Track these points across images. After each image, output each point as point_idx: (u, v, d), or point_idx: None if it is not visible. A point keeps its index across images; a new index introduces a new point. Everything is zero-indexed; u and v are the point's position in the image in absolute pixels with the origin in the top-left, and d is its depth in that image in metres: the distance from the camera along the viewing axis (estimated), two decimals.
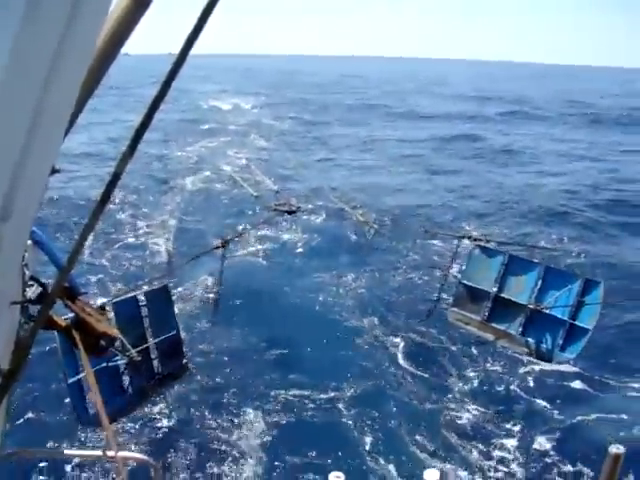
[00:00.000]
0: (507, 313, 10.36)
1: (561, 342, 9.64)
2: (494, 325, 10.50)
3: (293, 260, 17.19)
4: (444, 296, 11.72)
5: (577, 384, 11.14)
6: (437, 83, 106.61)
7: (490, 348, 11.34)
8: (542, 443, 9.74)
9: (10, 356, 1.93)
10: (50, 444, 8.96)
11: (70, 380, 7.31)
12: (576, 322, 9.48)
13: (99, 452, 4.64)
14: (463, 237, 11.19)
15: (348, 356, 11.79)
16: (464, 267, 11.37)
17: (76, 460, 8.30)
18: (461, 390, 10.86)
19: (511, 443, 9.72)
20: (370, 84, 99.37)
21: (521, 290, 10.21)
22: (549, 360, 9.92)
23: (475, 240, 10.77)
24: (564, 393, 10.96)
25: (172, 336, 9.18)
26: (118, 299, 8.58)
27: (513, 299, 10.26)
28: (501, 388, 10.77)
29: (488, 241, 10.92)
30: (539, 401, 10.66)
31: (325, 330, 12.69)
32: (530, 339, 9.98)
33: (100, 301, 8.83)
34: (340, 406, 10.37)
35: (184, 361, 9.62)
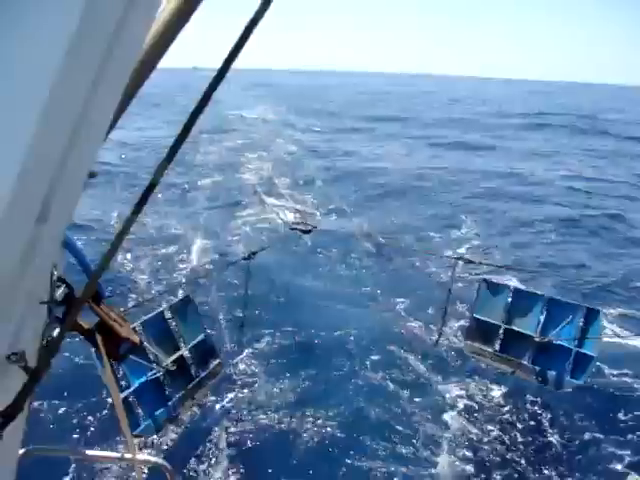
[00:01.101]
0: (517, 344, 10.90)
1: (570, 369, 10.11)
2: (507, 356, 11.04)
3: (308, 276, 17.99)
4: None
5: (591, 410, 11.33)
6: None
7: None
8: (557, 470, 9.77)
9: (36, 355, 1.97)
10: (69, 444, 9.20)
11: (121, 396, 8.16)
12: (582, 350, 9.96)
13: (118, 454, 4.66)
14: (459, 259, 11.94)
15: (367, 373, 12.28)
16: (474, 301, 11.93)
17: (94, 461, 8.45)
18: (481, 416, 11.15)
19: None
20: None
21: (528, 322, 10.77)
22: (560, 387, 10.38)
23: (469, 262, 11.50)
24: (578, 418, 11.15)
25: (202, 340, 10.00)
26: (146, 318, 9.31)
27: (522, 331, 10.81)
28: (516, 415, 11.03)
29: (480, 263, 11.74)
30: (552, 429, 10.80)
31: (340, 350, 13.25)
32: (541, 368, 10.48)
33: (131, 322, 9.72)
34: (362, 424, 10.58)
35: (217, 361, 10.34)
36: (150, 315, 9.40)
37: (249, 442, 9.66)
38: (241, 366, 12.00)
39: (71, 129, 1.44)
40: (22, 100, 1.25)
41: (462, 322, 14.54)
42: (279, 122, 63.15)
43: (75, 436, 9.38)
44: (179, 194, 27.66)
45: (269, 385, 11.32)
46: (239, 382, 11.18)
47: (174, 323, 9.56)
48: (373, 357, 13.18)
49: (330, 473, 9.37)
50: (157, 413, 8.96)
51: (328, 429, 10.42)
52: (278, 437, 9.85)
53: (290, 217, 22.11)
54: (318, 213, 25.34)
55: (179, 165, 31.43)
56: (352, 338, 13.91)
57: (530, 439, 10.70)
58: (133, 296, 15.11)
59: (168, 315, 9.50)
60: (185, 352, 9.60)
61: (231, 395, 10.76)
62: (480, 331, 11.53)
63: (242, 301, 12.06)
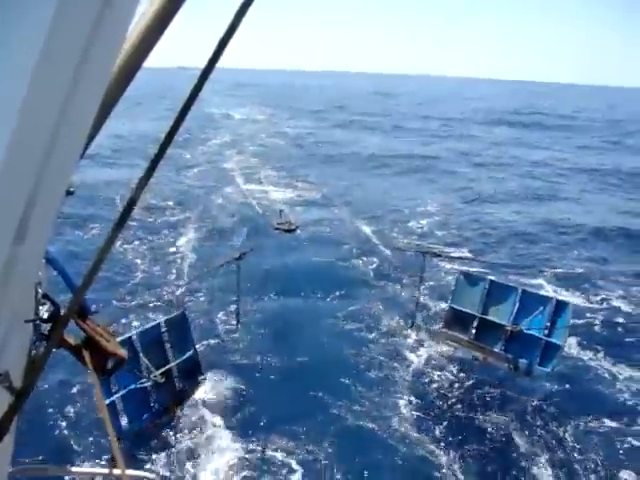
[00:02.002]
0: (491, 333, 11.56)
1: (538, 358, 10.79)
2: (481, 344, 11.68)
3: (291, 273, 18.43)
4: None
5: (609, 412, 11.33)
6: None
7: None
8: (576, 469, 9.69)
9: (22, 374, 1.95)
10: (57, 461, 8.97)
11: (107, 401, 8.61)
12: (550, 339, 10.63)
13: (106, 470, 4.58)
14: (427, 252, 12.70)
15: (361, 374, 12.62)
16: (452, 292, 12.53)
17: (83, 477, 8.22)
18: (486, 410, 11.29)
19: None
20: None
21: (502, 312, 11.41)
22: (529, 374, 11.06)
23: (437, 256, 12.33)
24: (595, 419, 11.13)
25: (190, 356, 10.62)
26: (143, 328, 10.04)
27: (496, 320, 11.45)
28: (524, 416, 11.21)
29: (446, 256, 12.59)
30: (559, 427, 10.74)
31: (331, 345, 13.59)
32: (512, 356, 11.14)
33: (124, 331, 10.07)
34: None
35: (201, 377, 11.06)
36: (146, 326, 10.05)
37: (235, 453, 9.79)
38: (226, 380, 11.96)
39: (45, 147, 1.39)
40: None
41: (434, 307, 15.31)
42: (266, 119, 63.89)
43: (63, 453, 9.39)
44: (164, 198, 27.58)
45: (254, 396, 11.22)
46: (223, 395, 11.26)
47: (167, 336, 10.13)
48: (354, 344, 13.62)
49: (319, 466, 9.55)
50: (139, 419, 9.60)
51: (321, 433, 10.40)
52: (264, 453, 9.93)
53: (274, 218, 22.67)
54: (300, 210, 25.82)
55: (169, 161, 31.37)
56: (334, 329, 14.29)
57: (490, 417, 11.15)
58: (128, 301, 15.17)
59: (163, 329, 10.09)
60: (174, 366, 10.20)
61: (215, 408, 10.81)
62: (456, 320, 12.16)
63: (234, 301, 12.74)
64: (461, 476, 9.45)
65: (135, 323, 12.53)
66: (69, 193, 2.08)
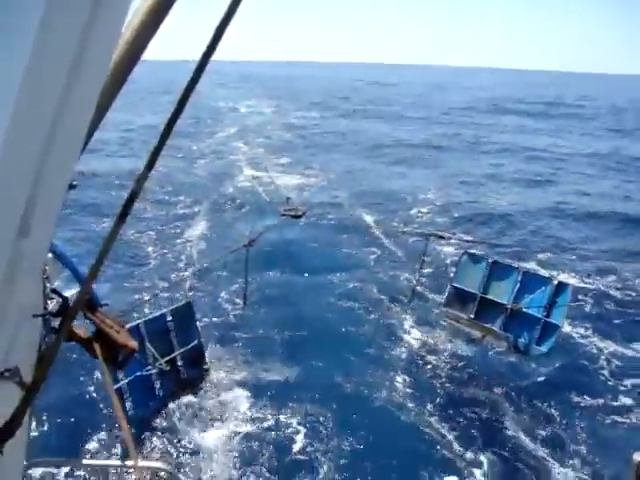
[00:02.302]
0: (491, 312, 11.75)
1: (537, 337, 10.97)
2: (481, 323, 11.87)
3: (300, 256, 18.72)
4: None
5: (598, 390, 11.73)
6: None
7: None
8: (565, 452, 9.86)
9: (32, 369, 1.96)
10: (70, 454, 9.20)
11: (114, 387, 8.90)
12: (549, 319, 10.81)
13: (120, 462, 4.64)
14: (431, 235, 12.91)
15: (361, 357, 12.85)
16: (454, 271, 12.71)
17: (97, 469, 8.60)
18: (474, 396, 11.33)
19: (529, 451, 9.85)
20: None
21: (502, 291, 11.59)
22: (526, 353, 11.27)
23: (441, 237, 12.56)
24: (584, 400, 11.40)
25: (195, 346, 10.89)
26: (149, 317, 10.33)
27: (496, 299, 11.63)
28: (514, 393, 11.28)
29: (450, 238, 12.86)
30: (554, 409, 10.99)
31: (336, 330, 13.85)
32: (510, 335, 11.34)
33: (134, 319, 10.28)
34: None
35: (206, 366, 11.33)
36: (152, 315, 10.35)
37: (244, 440, 9.89)
38: (237, 361, 12.09)
39: (44, 141, 1.40)
40: None
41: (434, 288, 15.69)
42: (271, 111, 64.06)
43: (76, 446, 9.45)
44: (168, 188, 27.77)
45: (258, 384, 11.45)
46: (228, 383, 11.37)
47: (173, 325, 10.40)
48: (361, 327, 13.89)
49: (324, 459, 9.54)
50: (144, 406, 9.89)
51: (318, 411, 10.60)
52: (271, 433, 10.08)
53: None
54: (307, 195, 26.10)
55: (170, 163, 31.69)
56: (339, 314, 14.53)
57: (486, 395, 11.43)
58: (137, 292, 15.28)
59: (169, 318, 10.37)
60: (178, 355, 10.48)
61: (223, 396, 10.94)
62: (458, 299, 12.35)
63: (242, 283, 13.03)
64: (450, 442, 9.80)
65: (146, 310, 12.67)
66: (72, 187, 2.07)
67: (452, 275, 12.82)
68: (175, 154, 33.84)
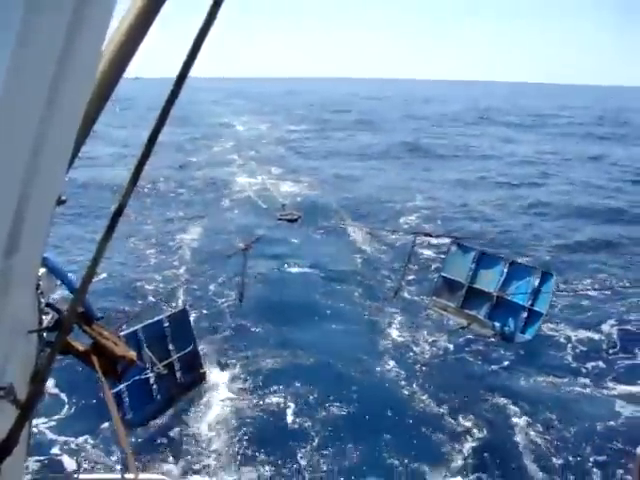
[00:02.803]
0: (477, 301, 12.09)
1: (521, 325, 11.33)
2: (467, 311, 12.21)
3: (291, 257, 19.06)
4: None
5: (603, 386, 12.53)
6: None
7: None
8: (570, 446, 10.39)
9: (27, 386, 1.92)
10: (71, 467, 9.28)
11: (112, 391, 9.00)
12: (533, 307, 11.18)
13: (119, 475, 4.62)
14: (417, 233, 13.39)
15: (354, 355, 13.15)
16: (443, 262, 13.09)
17: None
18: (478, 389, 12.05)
19: (535, 444, 10.42)
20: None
21: (489, 281, 11.95)
22: (511, 340, 11.62)
23: (427, 235, 13.12)
24: (589, 396, 12.14)
25: (191, 351, 11.01)
26: (146, 323, 10.47)
27: (483, 288, 11.98)
28: (517, 387, 12.08)
29: (437, 236, 13.52)
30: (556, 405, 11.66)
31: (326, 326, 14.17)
32: (496, 323, 11.68)
33: (133, 325, 10.49)
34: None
35: (202, 371, 11.45)
36: (150, 321, 10.53)
37: (241, 444, 10.09)
38: (227, 372, 12.39)
39: (28, 158, 1.37)
40: None
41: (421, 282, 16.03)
42: (264, 126, 65.48)
43: (75, 459, 9.53)
44: (165, 196, 28.07)
45: (256, 387, 11.76)
46: (225, 389, 11.71)
47: (169, 331, 10.62)
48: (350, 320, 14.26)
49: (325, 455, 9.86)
50: (143, 409, 9.99)
51: (317, 412, 10.93)
52: (269, 435, 10.31)
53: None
54: (300, 199, 26.59)
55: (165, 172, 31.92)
56: (329, 311, 14.89)
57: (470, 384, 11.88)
58: (134, 299, 15.61)
59: (165, 324, 10.61)
60: (175, 359, 10.64)
61: (220, 402, 11.28)
62: (446, 288, 12.67)
63: (239, 284, 13.08)
64: (433, 414, 10.16)
65: (144, 316, 12.88)
66: (61, 202, 2.06)
67: (439, 267, 13.21)
68: (173, 164, 34.26)
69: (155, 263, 18.33)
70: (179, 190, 29.42)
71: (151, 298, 14.92)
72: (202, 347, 11.85)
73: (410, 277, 16.17)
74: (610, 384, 12.50)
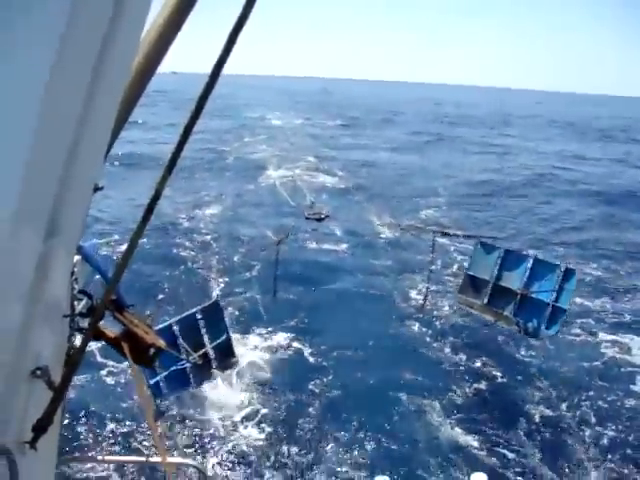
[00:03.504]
0: (503, 298, 12.45)
1: (545, 321, 11.62)
2: (493, 308, 12.57)
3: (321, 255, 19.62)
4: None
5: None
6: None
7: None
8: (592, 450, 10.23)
9: (61, 368, 2.00)
10: (101, 450, 9.46)
11: (152, 381, 9.62)
12: (557, 304, 11.45)
13: (150, 458, 4.79)
14: (437, 232, 13.72)
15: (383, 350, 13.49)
16: (469, 260, 13.46)
17: (126, 465, 8.73)
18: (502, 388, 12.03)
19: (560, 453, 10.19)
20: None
21: (514, 278, 12.28)
22: (535, 336, 11.95)
23: (445, 234, 13.46)
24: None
25: (224, 340, 11.58)
26: (180, 316, 11.04)
27: (508, 286, 12.32)
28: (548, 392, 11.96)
29: (451, 234, 13.94)
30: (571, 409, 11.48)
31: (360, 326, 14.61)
32: (521, 319, 12.01)
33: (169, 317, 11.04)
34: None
35: (234, 359, 12.02)
36: (184, 314, 11.12)
37: (270, 434, 10.35)
38: (257, 359, 12.80)
39: (69, 145, 1.44)
40: (13, 120, 1.24)
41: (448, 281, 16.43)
42: (299, 120, 67.08)
43: (106, 443, 9.80)
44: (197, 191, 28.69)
45: (284, 380, 12.08)
46: (256, 379, 12.16)
47: (203, 323, 11.23)
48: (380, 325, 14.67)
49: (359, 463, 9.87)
50: (176, 388, 10.57)
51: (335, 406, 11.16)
52: (307, 436, 10.39)
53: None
54: (326, 198, 27.16)
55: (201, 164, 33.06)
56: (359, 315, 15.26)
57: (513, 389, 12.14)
58: (172, 291, 15.89)
59: (199, 316, 11.19)
60: (209, 349, 11.23)
61: (250, 393, 11.73)
62: (472, 286, 13.07)
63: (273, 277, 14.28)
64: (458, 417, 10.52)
65: (175, 307, 13.60)
66: (98, 189, 2.12)
67: (465, 264, 13.57)
68: (206, 155, 35.42)
69: (188, 258, 18.81)
70: (210, 178, 30.36)
71: (181, 290, 15.45)
72: (236, 336, 12.54)
73: (435, 270, 16.33)
74: None
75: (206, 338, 11.31)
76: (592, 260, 19.47)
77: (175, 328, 10.61)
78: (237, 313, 14.38)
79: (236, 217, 23.84)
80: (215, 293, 15.09)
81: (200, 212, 24.28)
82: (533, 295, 11.79)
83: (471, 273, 13.12)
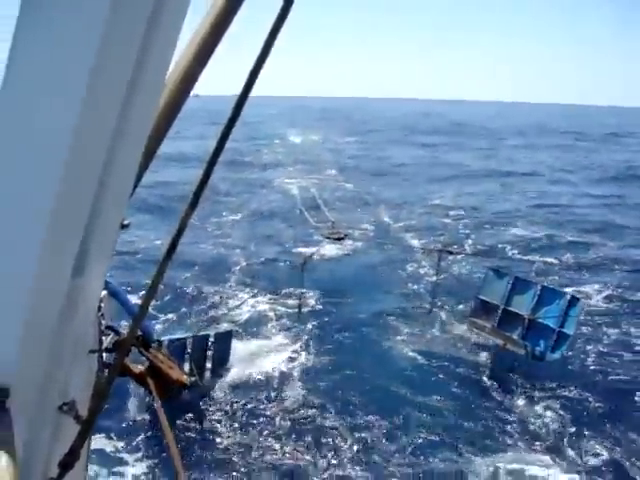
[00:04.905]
0: (512, 322, 13.16)
1: (551, 345, 12.30)
2: (502, 332, 13.28)
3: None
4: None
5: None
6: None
7: None
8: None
9: (88, 403, 2.00)
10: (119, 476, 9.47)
11: None
12: (562, 329, 12.14)
13: None
14: (441, 250, 14.48)
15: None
16: (480, 285, 14.20)
17: None
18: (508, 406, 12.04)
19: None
20: None
21: (522, 304, 13.01)
22: (542, 359, 12.58)
23: (449, 253, 14.28)
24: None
25: (224, 367, 12.20)
26: (195, 334, 11.81)
27: (516, 311, 13.05)
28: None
29: (458, 253, 14.62)
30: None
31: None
32: (528, 343, 12.69)
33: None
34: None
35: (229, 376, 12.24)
36: (200, 333, 11.92)
37: (287, 455, 10.29)
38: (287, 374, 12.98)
39: (96, 186, 1.43)
40: (42, 162, 1.24)
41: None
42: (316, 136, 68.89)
43: (124, 469, 9.72)
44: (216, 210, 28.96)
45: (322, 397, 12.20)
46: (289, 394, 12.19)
47: (213, 346, 12.05)
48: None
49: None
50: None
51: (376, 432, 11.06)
52: (326, 454, 10.46)
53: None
54: (345, 221, 27.92)
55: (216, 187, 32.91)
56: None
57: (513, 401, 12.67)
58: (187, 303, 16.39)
59: (212, 340, 12.06)
60: (207, 371, 11.99)
61: (271, 407, 11.74)
62: (482, 310, 13.84)
63: (299, 299, 14.94)
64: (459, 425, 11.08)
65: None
66: (124, 227, 2.11)
67: (470, 286, 14.30)
68: (226, 174, 36.63)
69: (210, 280, 19.23)
70: (227, 195, 31.24)
71: (203, 305, 16.17)
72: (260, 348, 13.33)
73: (440, 289, 16.78)
74: None
75: (209, 362, 12.06)
76: None
77: (189, 341, 11.47)
78: (261, 326, 15.13)
79: (259, 234, 24.80)
80: (232, 322, 15.36)
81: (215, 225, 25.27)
82: (540, 320, 12.51)
83: (482, 297, 13.87)
